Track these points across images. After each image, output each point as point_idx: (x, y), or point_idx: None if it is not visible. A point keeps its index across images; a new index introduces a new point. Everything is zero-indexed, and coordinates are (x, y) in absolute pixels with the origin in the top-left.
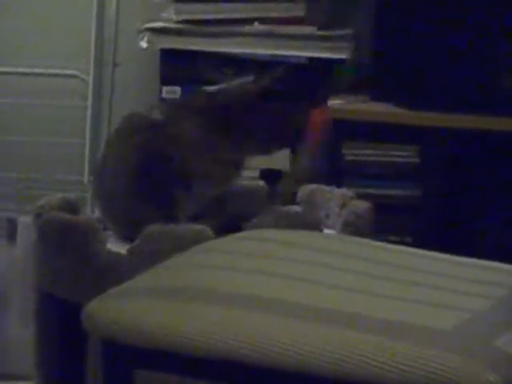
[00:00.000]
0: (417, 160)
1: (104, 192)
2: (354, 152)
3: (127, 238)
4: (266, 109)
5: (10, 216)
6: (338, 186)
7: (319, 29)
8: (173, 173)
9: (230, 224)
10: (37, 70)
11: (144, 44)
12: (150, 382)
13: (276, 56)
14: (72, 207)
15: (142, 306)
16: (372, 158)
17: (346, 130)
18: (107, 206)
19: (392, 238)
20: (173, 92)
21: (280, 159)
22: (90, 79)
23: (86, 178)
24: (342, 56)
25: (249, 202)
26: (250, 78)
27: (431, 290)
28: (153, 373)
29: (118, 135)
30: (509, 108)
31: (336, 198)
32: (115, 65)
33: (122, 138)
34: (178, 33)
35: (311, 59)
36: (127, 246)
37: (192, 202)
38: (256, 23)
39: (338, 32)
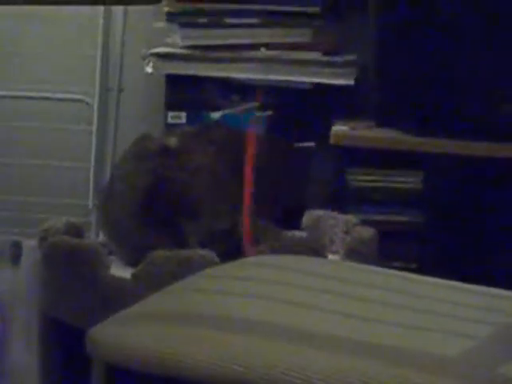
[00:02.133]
0: (421, 186)
1: (111, 215)
2: (359, 178)
3: (132, 262)
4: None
5: (15, 239)
6: (343, 211)
7: (325, 54)
8: (183, 202)
9: (235, 249)
10: (42, 94)
11: (149, 69)
12: None
13: (282, 82)
14: (77, 231)
15: (147, 332)
16: (376, 184)
17: (351, 155)
18: (114, 229)
19: (397, 264)
20: (178, 117)
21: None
22: (96, 104)
23: (90, 203)
24: (348, 82)
25: None
26: (255, 104)
27: (436, 316)
28: None
29: (129, 158)
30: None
31: (340, 224)
32: (120, 90)
33: (132, 160)
34: (183, 58)
35: (316, 85)
36: (131, 271)
37: (200, 230)
38: (262, 49)
39: (344, 58)
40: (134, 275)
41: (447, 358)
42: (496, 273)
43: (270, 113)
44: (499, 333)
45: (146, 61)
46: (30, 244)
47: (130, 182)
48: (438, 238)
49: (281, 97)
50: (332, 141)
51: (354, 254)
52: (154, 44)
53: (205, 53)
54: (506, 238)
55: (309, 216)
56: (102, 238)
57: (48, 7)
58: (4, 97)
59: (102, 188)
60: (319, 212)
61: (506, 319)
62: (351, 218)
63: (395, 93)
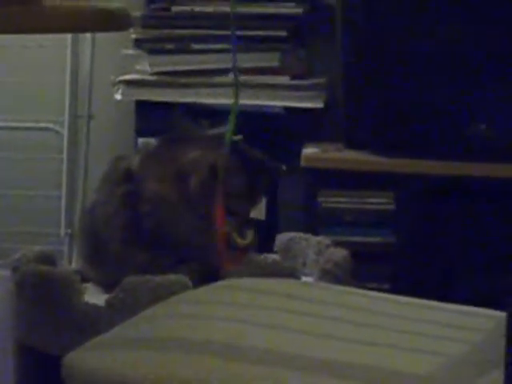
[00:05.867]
0: (392, 207)
1: (91, 240)
2: (330, 200)
3: (106, 285)
4: (238, 166)
5: None
6: (315, 233)
7: (293, 78)
8: (149, 230)
9: (208, 273)
10: (11, 124)
11: (119, 96)
12: None
13: (251, 106)
14: (49, 260)
15: (121, 357)
16: (348, 206)
17: (321, 178)
18: (93, 254)
19: (370, 284)
20: (148, 144)
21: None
22: (65, 132)
23: (62, 231)
24: (317, 105)
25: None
26: (225, 128)
27: (408, 335)
28: None
29: (102, 182)
30: (483, 154)
31: (313, 246)
32: (90, 117)
33: (105, 185)
34: (152, 84)
35: (286, 109)
36: (105, 298)
37: (174, 255)
38: (230, 74)
39: (312, 81)
40: (107, 302)
41: (419, 377)
42: (466, 292)
43: (240, 137)
44: (470, 350)
45: (115, 88)
46: (2, 274)
47: (104, 208)
48: (411, 259)
49: (251, 121)
50: (303, 163)
51: (327, 275)
52: (123, 71)
53: (173, 79)
54: (475, 257)
55: (281, 238)
56: (74, 265)
57: (15, 36)
58: None
59: (82, 212)
60: (291, 234)
61: (476, 337)
62: (323, 240)
63: (363, 115)
